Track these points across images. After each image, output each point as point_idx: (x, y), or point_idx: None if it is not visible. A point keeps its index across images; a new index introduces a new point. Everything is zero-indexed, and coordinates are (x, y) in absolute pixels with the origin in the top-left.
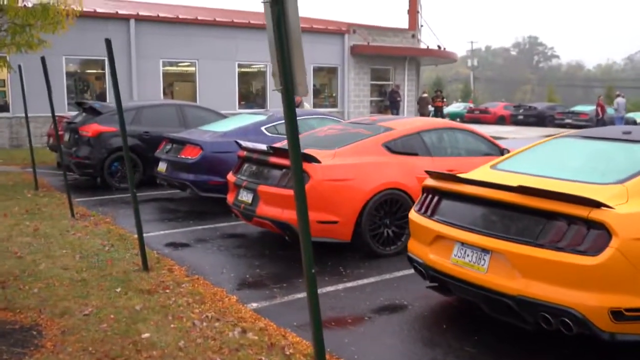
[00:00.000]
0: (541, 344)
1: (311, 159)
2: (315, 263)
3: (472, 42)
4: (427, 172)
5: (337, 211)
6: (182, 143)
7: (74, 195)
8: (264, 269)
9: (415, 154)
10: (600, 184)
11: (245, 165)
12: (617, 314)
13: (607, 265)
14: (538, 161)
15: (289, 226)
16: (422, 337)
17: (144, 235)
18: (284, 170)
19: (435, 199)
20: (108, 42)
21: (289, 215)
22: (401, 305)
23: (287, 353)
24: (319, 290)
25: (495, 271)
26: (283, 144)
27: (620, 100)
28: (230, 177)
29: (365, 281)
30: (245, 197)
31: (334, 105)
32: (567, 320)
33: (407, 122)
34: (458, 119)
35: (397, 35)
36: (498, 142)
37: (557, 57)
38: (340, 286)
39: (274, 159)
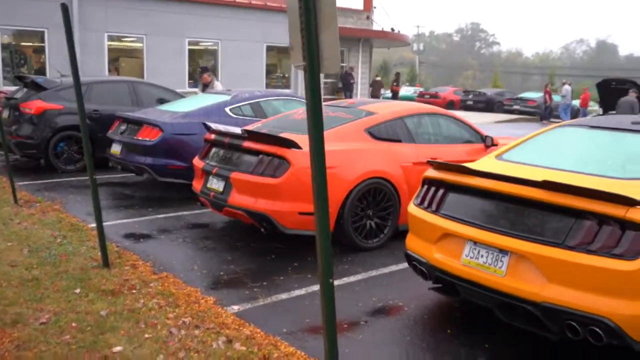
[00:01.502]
0: (561, 352)
1: (291, 144)
2: (294, 257)
3: (418, 27)
4: (430, 162)
5: None
6: (138, 123)
7: (15, 178)
8: (239, 264)
9: (399, 141)
10: (626, 179)
11: (214, 150)
12: None
13: None
14: (547, 152)
15: (265, 217)
16: (428, 345)
17: None
18: (260, 156)
19: (440, 192)
20: (64, 8)
21: (266, 205)
22: (396, 307)
23: None
24: (304, 290)
25: (516, 275)
26: (255, 126)
27: (567, 87)
28: (197, 162)
29: (352, 279)
30: (216, 184)
31: (287, 86)
32: (597, 329)
33: (388, 105)
34: None
35: (351, 16)
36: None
37: (498, 44)
38: None
39: (249, 144)
